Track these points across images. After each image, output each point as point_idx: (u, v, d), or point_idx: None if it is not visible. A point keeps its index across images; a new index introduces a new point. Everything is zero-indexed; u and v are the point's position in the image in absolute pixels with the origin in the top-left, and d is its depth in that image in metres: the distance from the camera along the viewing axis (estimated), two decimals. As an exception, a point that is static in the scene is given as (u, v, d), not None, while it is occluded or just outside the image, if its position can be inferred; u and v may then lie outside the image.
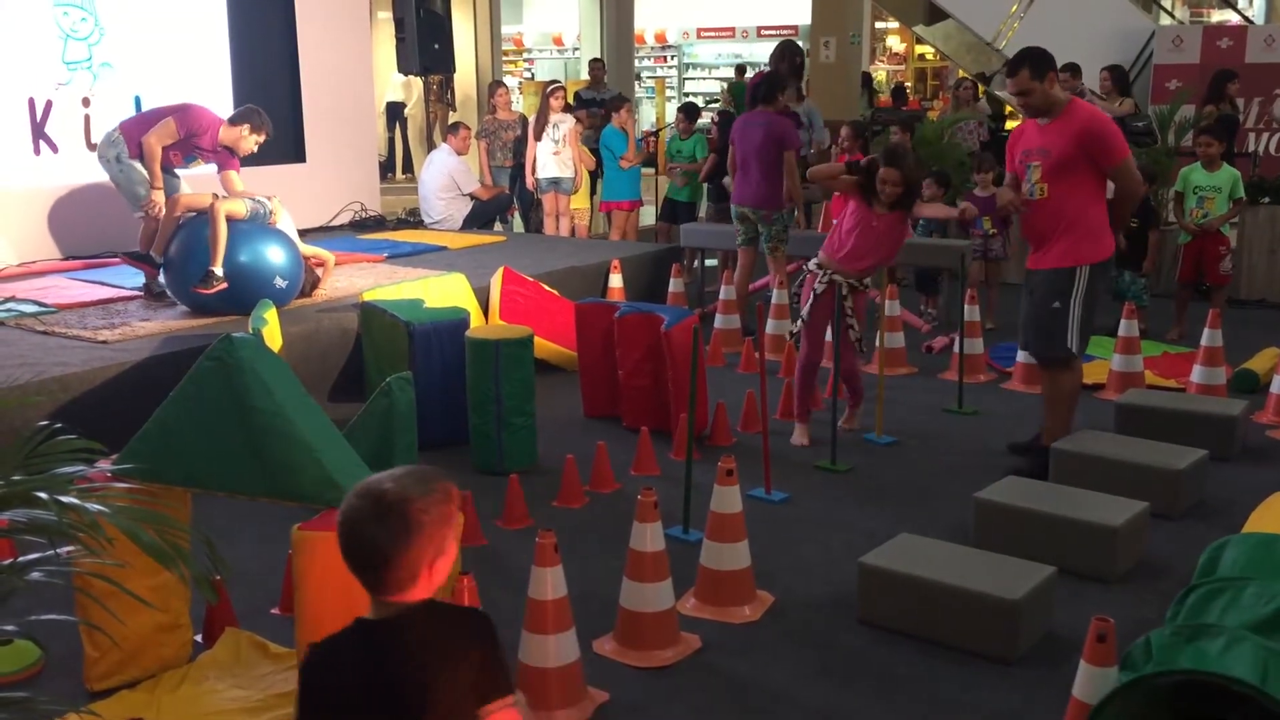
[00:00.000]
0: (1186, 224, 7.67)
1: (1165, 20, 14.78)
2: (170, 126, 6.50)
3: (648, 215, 11.76)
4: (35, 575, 2.10)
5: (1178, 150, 9.13)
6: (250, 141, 6.60)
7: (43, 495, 1.92)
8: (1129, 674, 2.73)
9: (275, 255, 6.15)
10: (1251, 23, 15.26)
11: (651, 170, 11.37)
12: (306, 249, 6.76)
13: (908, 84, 20.07)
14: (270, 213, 6.38)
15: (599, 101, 11.95)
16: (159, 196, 6.48)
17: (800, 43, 23.04)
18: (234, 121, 6.63)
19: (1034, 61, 4.83)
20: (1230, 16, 17.00)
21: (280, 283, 6.12)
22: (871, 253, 5.47)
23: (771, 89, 7.50)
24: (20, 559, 2.15)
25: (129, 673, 3.35)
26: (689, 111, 10.76)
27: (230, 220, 6.09)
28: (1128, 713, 2.67)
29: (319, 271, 6.88)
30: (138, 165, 6.59)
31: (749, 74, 19.78)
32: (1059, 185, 4.85)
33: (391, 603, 1.86)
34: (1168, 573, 4.14)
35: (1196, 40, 11.40)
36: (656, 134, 11.42)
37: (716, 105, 18.71)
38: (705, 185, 10.39)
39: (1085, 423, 5.48)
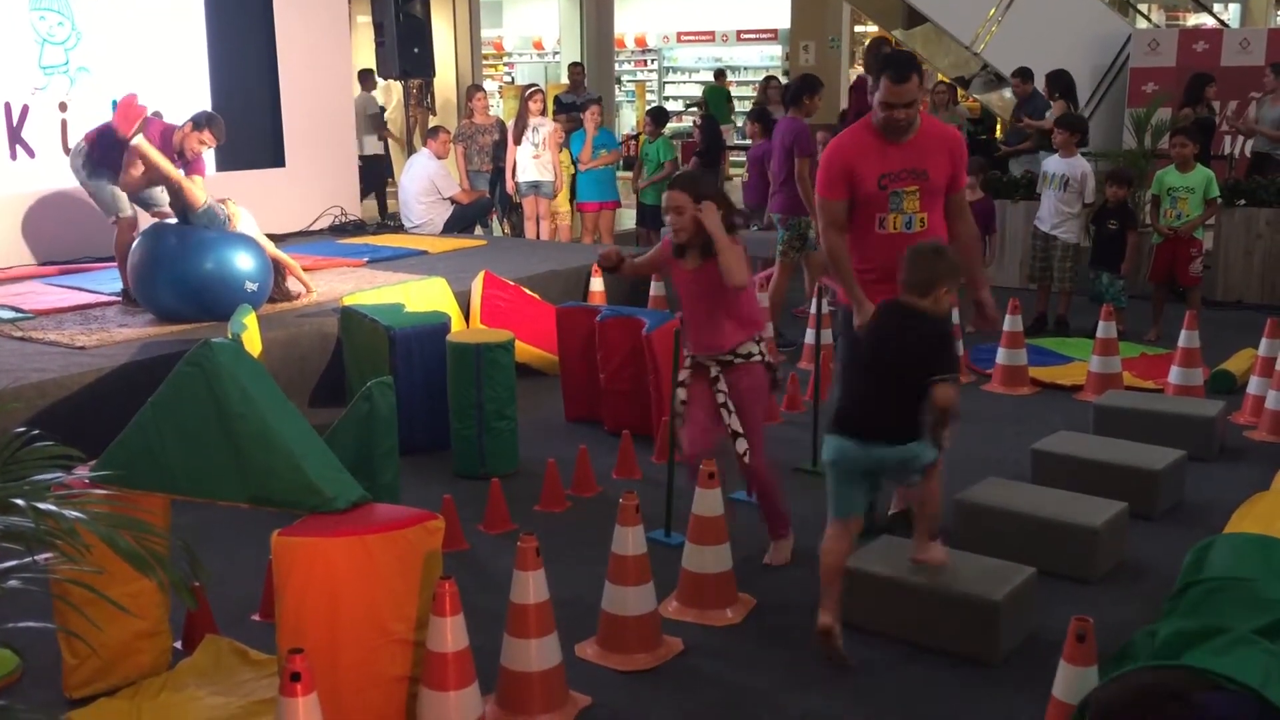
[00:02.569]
0: (1160, 226, 7.70)
1: (1141, 23, 14.87)
2: (145, 147, 6.45)
3: (629, 218, 11.75)
4: (12, 583, 2.08)
5: (1154, 153, 9.19)
6: (193, 140, 6.51)
7: (19, 502, 1.90)
8: (1130, 663, 2.72)
9: (243, 261, 6.11)
10: (1227, 26, 15.38)
11: (629, 174, 11.38)
12: (270, 249, 6.67)
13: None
14: (228, 217, 6.34)
15: (579, 105, 11.96)
16: (186, 185, 6.38)
17: (780, 47, 23.21)
18: (184, 123, 6.59)
19: (920, 69, 4.17)
20: (1206, 20, 17.13)
21: (250, 286, 6.09)
22: (709, 318, 4.11)
23: (797, 93, 7.34)
24: (-3, 567, 2.13)
25: (108, 680, 3.33)
26: (656, 115, 10.77)
27: (191, 207, 6.16)
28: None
29: (291, 283, 6.81)
30: (103, 173, 6.56)
31: (728, 78, 19.87)
32: (934, 213, 4.22)
33: (913, 297, 3.52)
34: (1147, 573, 4.16)
35: (1172, 43, 11.48)
36: (637, 137, 11.41)
37: (696, 110, 18.76)
38: None
39: (1064, 424, 5.51)
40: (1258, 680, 2.51)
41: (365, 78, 12.82)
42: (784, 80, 15.89)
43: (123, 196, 6.65)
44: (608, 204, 10.37)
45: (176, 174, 6.26)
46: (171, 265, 6.02)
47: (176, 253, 6.03)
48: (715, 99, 16.58)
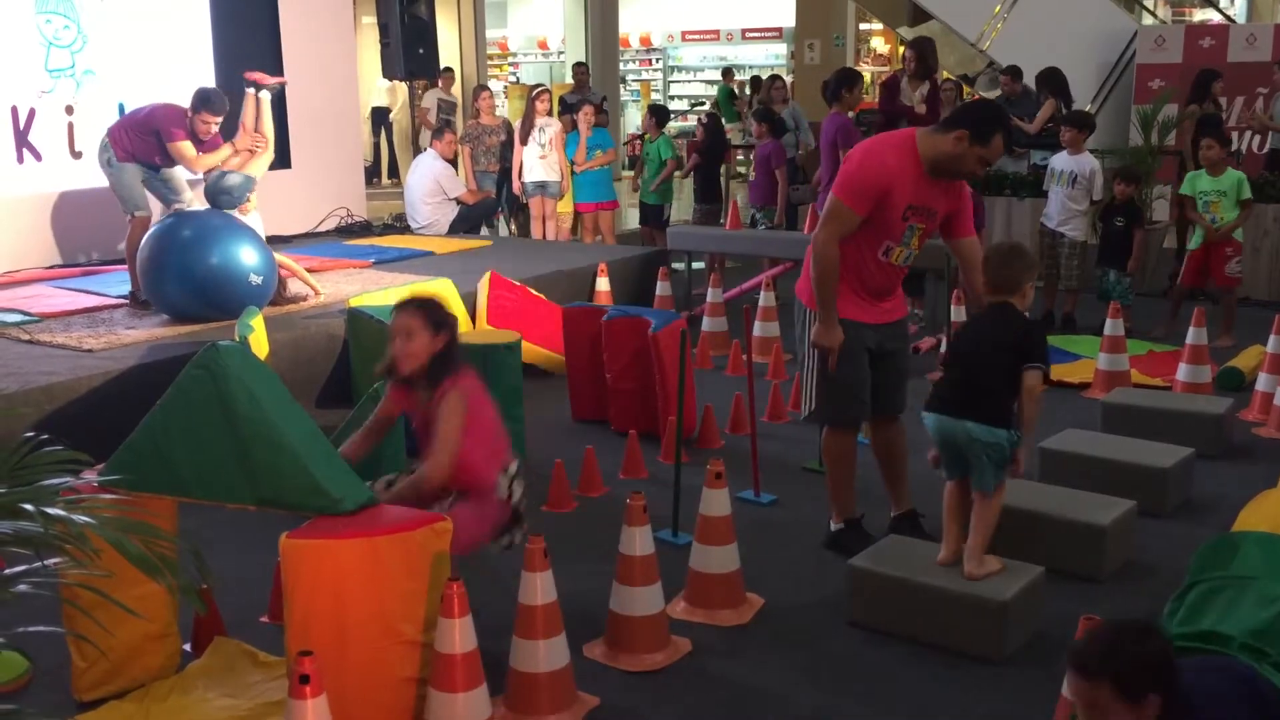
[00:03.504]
0: (1210, 227, 7.36)
1: (1148, 20, 14.84)
2: (186, 145, 6.56)
3: (633, 218, 11.74)
4: (22, 587, 2.09)
5: (1161, 150, 9.17)
6: (198, 123, 6.67)
7: (28, 507, 1.91)
8: None
9: (248, 255, 6.13)
10: (1233, 21, 15.34)
11: (632, 173, 11.36)
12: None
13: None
14: (246, 199, 6.52)
15: (578, 106, 11.96)
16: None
17: (785, 46, 23.17)
18: (188, 110, 6.73)
19: None
20: (1212, 15, 17.09)
21: (255, 279, 6.11)
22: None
23: (837, 88, 7.20)
24: (7, 571, 2.14)
25: (118, 683, 3.33)
26: (657, 113, 10.77)
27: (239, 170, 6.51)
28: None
29: (295, 285, 6.86)
30: (127, 167, 6.62)
31: (737, 77, 19.87)
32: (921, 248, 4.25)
33: (1001, 295, 3.78)
34: (1156, 571, 4.15)
35: (1179, 40, 11.45)
36: (642, 138, 11.40)
37: (703, 108, 18.74)
38: (693, 186, 10.38)
39: (1072, 422, 5.50)
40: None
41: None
42: (788, 78, 15.89)
43: (144, 193, 6.72)
44: (605, 204, 10.33)
45: (271, 134, 6.81)
46: (178, 258, 6.02)
47: (183, 246, 6.04)
48: (723, 98, 16.59)
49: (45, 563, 2.08)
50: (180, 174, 6.82)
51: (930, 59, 8.31)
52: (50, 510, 1.93)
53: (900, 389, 4.39)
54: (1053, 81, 9.77)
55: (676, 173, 10.43)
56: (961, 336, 4.00)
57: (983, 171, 4.15)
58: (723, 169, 10.90)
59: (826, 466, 4.44)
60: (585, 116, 10.15)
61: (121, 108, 8.40)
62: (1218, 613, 2.89)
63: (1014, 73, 10.37)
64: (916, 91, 8.26)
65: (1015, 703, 3.34)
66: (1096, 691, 2.29)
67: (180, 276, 6.05)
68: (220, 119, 6.71)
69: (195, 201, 6.86)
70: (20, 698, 3.34)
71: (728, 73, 19.37)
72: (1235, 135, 10.94)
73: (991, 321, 3.81)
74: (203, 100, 6.63)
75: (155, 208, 6.88)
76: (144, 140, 6.58)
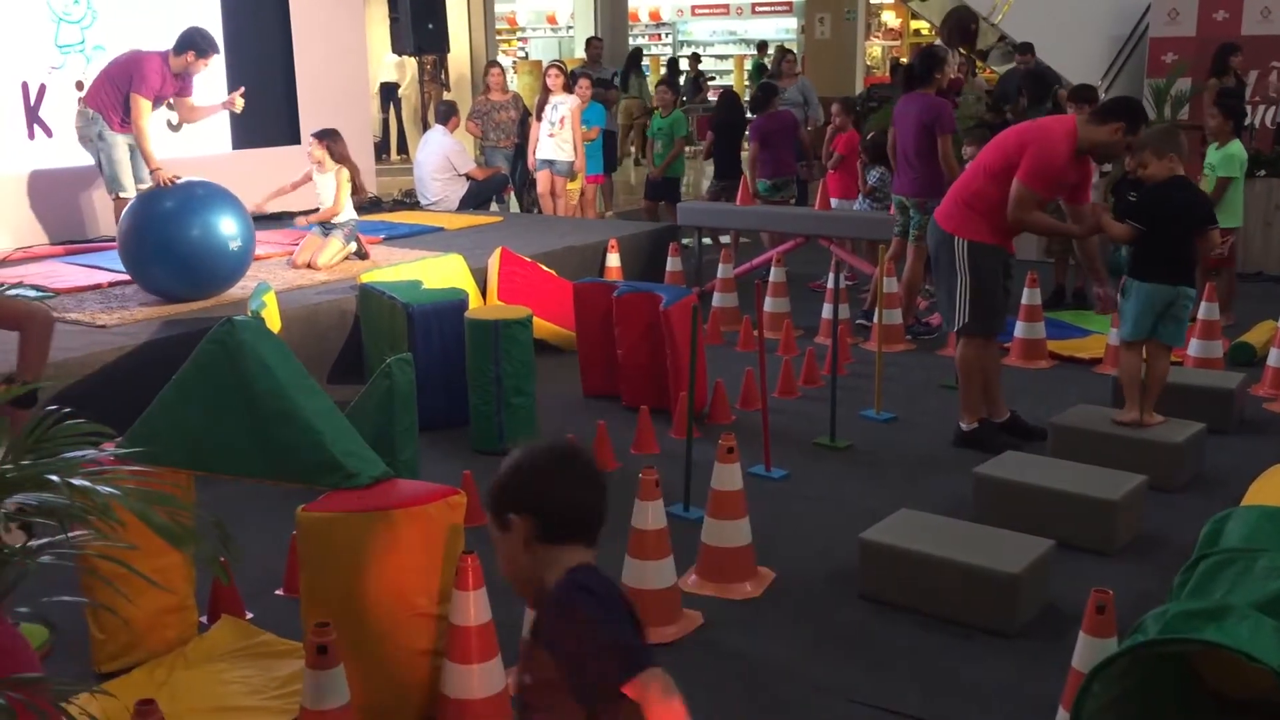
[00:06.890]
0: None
1: (1161, -7, 14.72)
2: (144, 104, 6.70)
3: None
4: (45, 558, 2.11)
5: (1175, 124, 9.11)
6: (199, 66, 6.98)
7: (54, 479, 1.93)
8: (1141, 636, 2.73)
9: (227, 226, 6.07)
10: (1247, -6, 15.20)
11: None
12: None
13: (903, 60, 20.03)
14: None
15: (596, 80, 11.90)
16: (162, 175, 6.51)
17: (795, 20, 22.97)
18: (178, 51, 6.97)
19: None
20: (1226, -12, 16.93)
21: (234, 245, 6.10)
22: None
23: (927, 69, 6.93)
24: (32, 542, 2.16)
25: (136, 655, 3.37)
26: (674, 86, 10.71)
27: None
28: (1127, 681, 2.68)
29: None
30: (119, 139, 6.74)
31: (771, 50, 19.76)
32: None
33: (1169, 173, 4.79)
34: (1166, 545, 4.17)
35: (1193, 12, 11.36)
36: (651, 112, 11.37)
37: (715, 82, 18.67)
38: (712, 163, 10.35)
39: (1083, 397, 5.50)
40: (1276, 659, 2.52)
41: None
42: (798, 52, 15.79)
43: (130, 172, 6.79)
44: (590, 178, 10.29)
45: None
46: (159, 232, 5.98)
47: (164, 220, 5.98)
48: (755, 70, 16.52)
49: (69, 535, 2.10)
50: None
51: (959, 27, 8.33)
52: (75, 481, 1.95)
53: (1007, 311, 5.36)
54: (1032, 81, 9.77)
55: (690, 149, 10.38)
56: (1150, 204, 4.79)
57: (1124, 154, 5.32)
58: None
59: (963, 373, 5.18)
60: (581, 90, 10.12)
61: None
62: (1226, 585, 2.90)
63: (1025, 48, 10.39)
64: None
65: (1026, 675, 3.36)
66: (491, 525, 2.04)
67: (161, 250, 5.97)
68: (209, 61, 7.04)
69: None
70: (42, 668, 3.37)
71: (762, 47, 19.40)
72: (1249, 109, 10.87)
73: (1175, 193, 4.75)
74: (209, 42, 6.97)
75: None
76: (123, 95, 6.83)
